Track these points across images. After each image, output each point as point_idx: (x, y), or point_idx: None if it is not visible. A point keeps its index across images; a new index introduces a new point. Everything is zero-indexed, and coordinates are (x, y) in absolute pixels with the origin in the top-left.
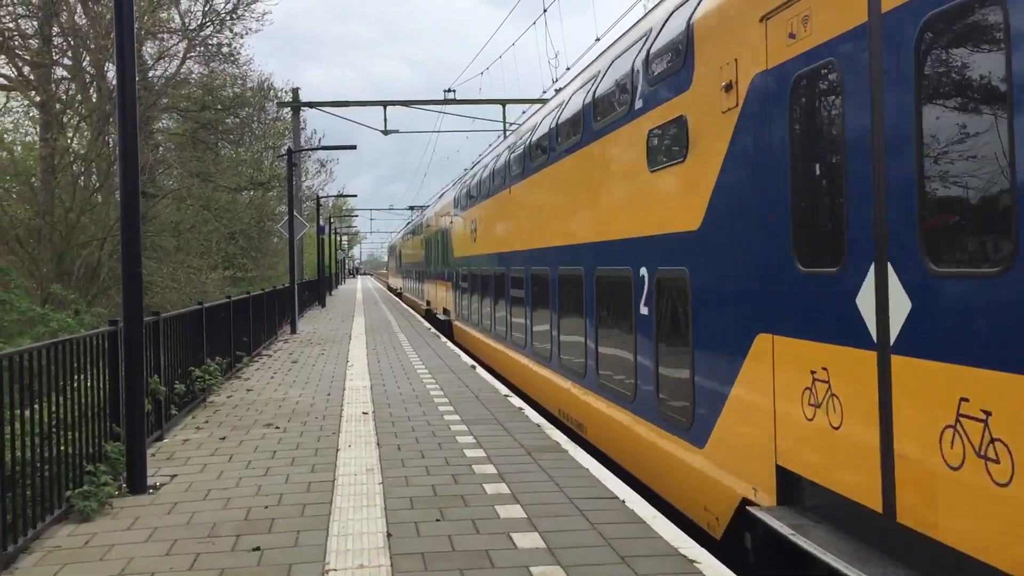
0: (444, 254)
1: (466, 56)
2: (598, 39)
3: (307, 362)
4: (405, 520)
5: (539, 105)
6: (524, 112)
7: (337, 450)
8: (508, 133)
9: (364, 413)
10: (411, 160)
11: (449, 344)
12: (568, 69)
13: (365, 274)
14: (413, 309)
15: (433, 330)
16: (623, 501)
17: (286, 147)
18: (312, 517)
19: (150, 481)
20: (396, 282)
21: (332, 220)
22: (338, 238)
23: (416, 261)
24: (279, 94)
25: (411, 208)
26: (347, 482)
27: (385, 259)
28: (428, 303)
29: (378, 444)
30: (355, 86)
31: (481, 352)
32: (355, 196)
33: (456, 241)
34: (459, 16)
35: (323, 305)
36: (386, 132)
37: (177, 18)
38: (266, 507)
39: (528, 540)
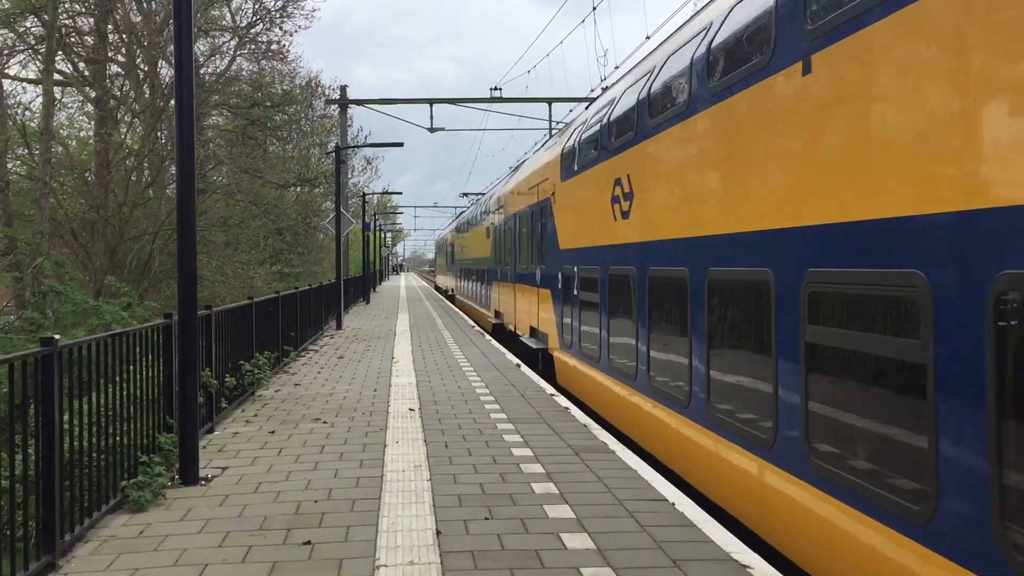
0: (537, 246)
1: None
2: (648, 37)
3: (353, 358)
4: (454, 518)
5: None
6: (571, 111)
7: (385, 446)
8: (558, 127)
9: (411, 410)
10: (457, 158)
11: (494, 342)
12: (617, 67)
13: (408, 271)
14: (473, 319)
15: (478, 328)
16: (673, 504)
17: (333, 144)
18: (361, 512)
19: (202, 473)
20: (447, 281)
21: (377, 217)
22: (383, 235)
23: (480, 257)
24: (327, 91)
25: (464, 195)
26: (395, 478)
27: (430, 256)
28: (498, 314)
29: (425, 441)
30: (404, 85)
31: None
32: (400, 193)
33: (565, 224)
34: (509, 15)
35: (367, 301)
36: (432, 130)
37: (228, 16)
38: (316, 501)
39: (578, 541)
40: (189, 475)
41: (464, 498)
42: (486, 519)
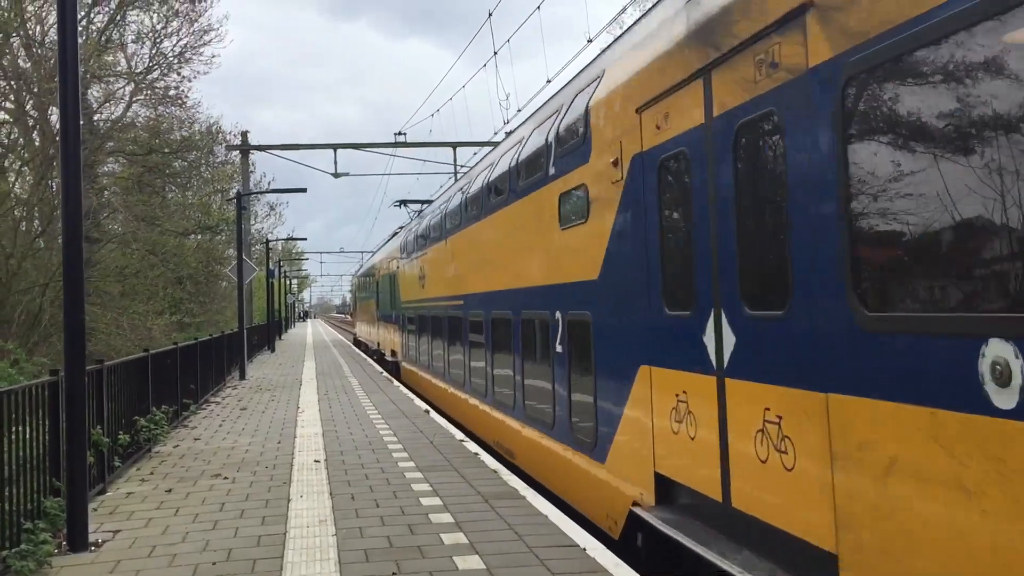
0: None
1: (419, 99)
2: (549, 81)
3: (257, 409)
4: (360, 574)
5: (489, 149)
6: (475, 154)
7: (288, 501)
8: (458, 175)
9: (316, 461)
10: (363, 203)
11: (402, 388)
12: (519, 111)
13: (315, 317)
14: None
15: (385, 374)
16: (584, 549)
17: (235, 190)
18: (263, 573)
19: (92, 538)
20: (381, 336)
21: (282, 263)
22: (288, 282)
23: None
24: (227, 137)
25: (402, 203)
26: (299, 535)
27: (336, 301)
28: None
29: (331, 494)
30: (309, 129)
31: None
32: (305, 239)
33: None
34: (412, 59)
35: (272, 350)
36: (336, 175)
37: (123, 61)
38: (214, 563)
39: None
40: (77, 541)
41: (371, 552)
42: (394, 574)
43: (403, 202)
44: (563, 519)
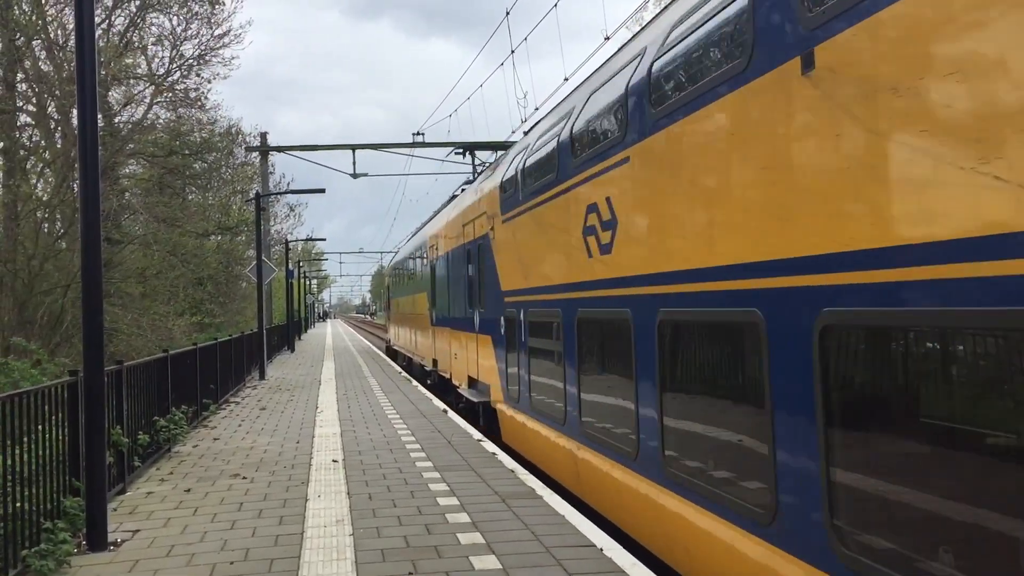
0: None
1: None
2: (566, 79)
3: (276, 409)
4: (377, 574)
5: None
6: (495, 154)
7: (306, 500)
8: (479, 171)
9: (334, 461)
10: (383, 203)
11: (421, 388)
12: (537, 109)
13: (335, 318)
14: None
15: (404, 374)
16: (601, 549)
17: (254, 191)
18: (280, 573)
19: (111, 537)
20: (436, 348)
21: (301, 264)
22: (307, 282)
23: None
24: (247, 139)
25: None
26: (316, 534)
27: (356, 302)
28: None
29: (348, 493)
30: (331, 131)
31: None
32: (324, 240)
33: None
34: (435, 60)
35: (292, 350)
36: (355, 175)
37: (144, 64)
38: (232, 563)
39: None
40: (96, 540)
41: (388, 552)
42: (410, 574)
43: (468, 148)
44: (580, 519)
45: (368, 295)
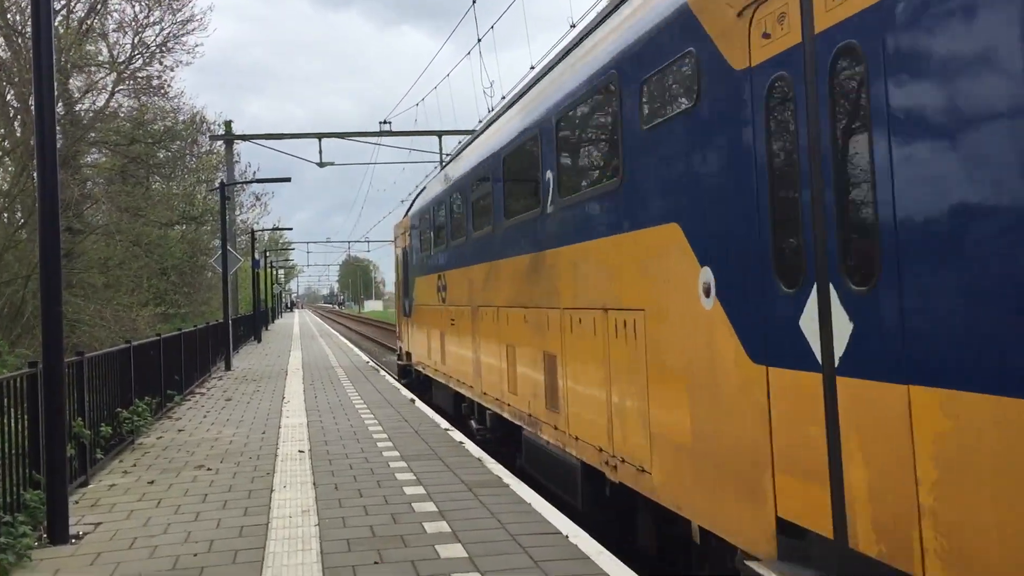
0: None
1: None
2: (532, 67)
3: (241, 400)
4: (342, 564)
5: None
6: (460, 142)
7: (272, 491)
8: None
9: (300, 451)
10: (351, 193)
11: (389, 378)
12: (503, 98)
13: (302, 308)
14: None
15: (372, 363)
16: (567, 536)
17: (219, 180)
18: (244, 564)
19: (72, 530)
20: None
21: (267, 254)
22: (274, 272)
23: None
24: (212, 127)
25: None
26: (281, 525)
27: (324, 292)
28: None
29: (314, 484)
30: (299, 120)
31: None
32: (290, 229)
33: None
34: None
35: (259, 340)
36: (321, 164)
37: (105, 51)
38: (195, 555)
39: None
40: (58, 533)
41: (353, 543)
42: (376, 563)
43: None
44: (546, 507)
45: (336, 285)
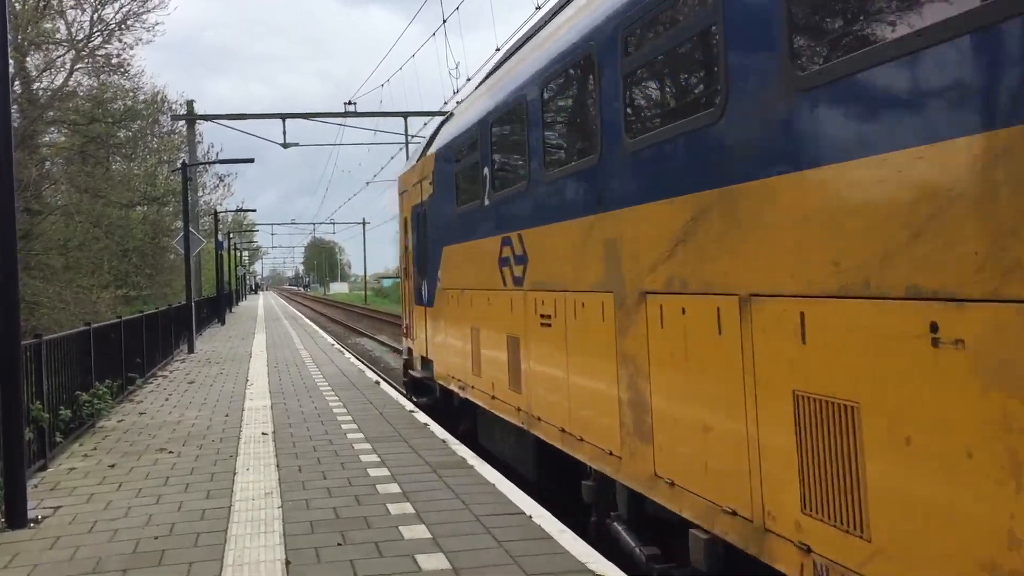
0: None
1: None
2: (498, 49)
3: (204, 382)
4: (305, 546)
5: None
6: (426, 124)
7: (234, 474)
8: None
9: (264, 434)
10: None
11: (354, 360)
12: (469, 79)
13: (267, 290)
14: None
15: (337, 345)
16: (530, 516)
17: (181, 161)
18: (206, 547)
19: (31, 514)
20: None
21: (231, 235)
22: (238, 254)
23: None
24: (174, 107)
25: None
26: (244, 507)
27: (290, 274)
28: None
29: (278, 466)
30: (266, 101)
31: None
32: (254, 211)
33: None
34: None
35: (223, 323)
36: (285, 145)
37: (63, 28)
38: (156, 538)
39: (433, 561)
40: (16, 517)
41: (317, 524)
42: (339, 545)
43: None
44: (511, 488)
45: (301, 267)
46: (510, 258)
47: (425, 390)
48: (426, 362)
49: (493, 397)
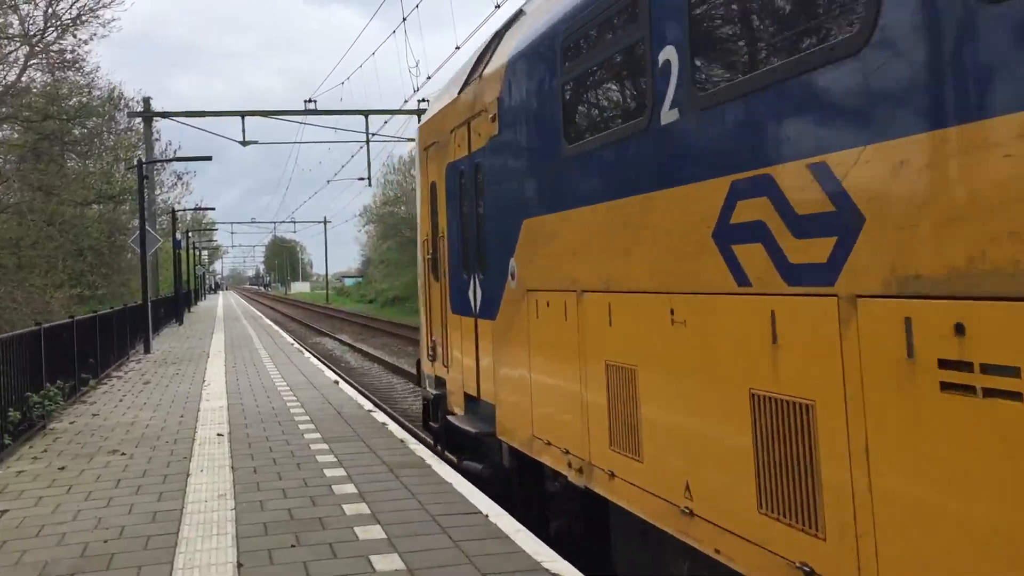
0: None
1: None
2: (458, 47)
3: (160, 383)
4: (258, 548)
5: None
6: (386, 122)
7: (188, 476)
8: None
9: (219, 435)
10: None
11: (313, 359)
12: (429, 78)
13: (227, 289)
14: None
15: (297, 345)
16: (487, 516)
17: (137, 159)
18: (156, 550)
19: None
20: None
21: (190, 234)
22: (197, 253)
23: None
24: (130, 104)
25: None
26: (196, 510)
27: (250, 273)
28: None
29: (232, 467)
30: (227, 99)
31: None
32: (213, 209)
33: None
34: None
35: (181, 323)
36: (244, 143)
37: (16, 23)
38: (106, 541)
39: (387, 562)
40: None
41: (270, 526)
42: (292, 547)
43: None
44: (468, 487)
45: (262, 266)
46: (771, 224)
47: (467, 442)
48: (475, 404)
49: (686, 512)
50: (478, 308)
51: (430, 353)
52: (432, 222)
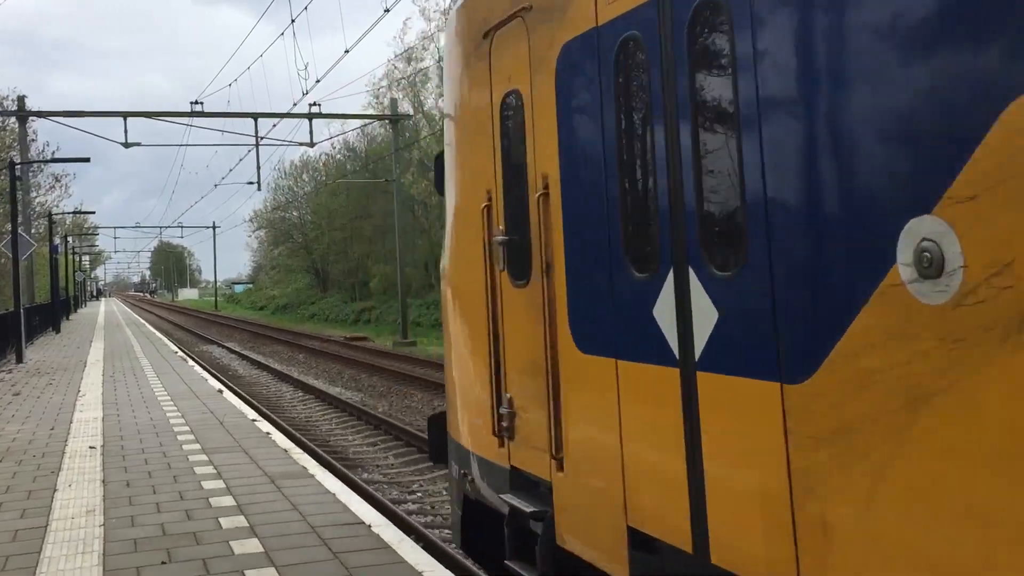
0: None
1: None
2: (347, 51)
3: (31, 394)
4: (125, 566)
5: None
6: (274, 125)
7: (55, 491)
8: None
9: (91, 447)
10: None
11: (197, 368)
12: (318, 81)
13: (110, 296)
14: None
15: (181, 353)
16: (370, 526)
17: (10, 159)
18: (15, 571)
19: None
20: None
21: (69, 239)
22: (77, 258)
23: None
24: (4, 102)
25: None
26: (62, 527)
27: (135, 279)
28: None
29: (104, 481)
30: (113, 99)
31: None
32: (93, 213)
33: None
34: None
35: (58, 331)
36: (127, 145)
37: None
38: None
39: None
40: None
41: (141, 542)
42: (163, 563)
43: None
44: (351, 496)
45: (148, 272)
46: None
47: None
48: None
49: None
50: (701, 351)
51: (499, 426)
52: (506, 167)
